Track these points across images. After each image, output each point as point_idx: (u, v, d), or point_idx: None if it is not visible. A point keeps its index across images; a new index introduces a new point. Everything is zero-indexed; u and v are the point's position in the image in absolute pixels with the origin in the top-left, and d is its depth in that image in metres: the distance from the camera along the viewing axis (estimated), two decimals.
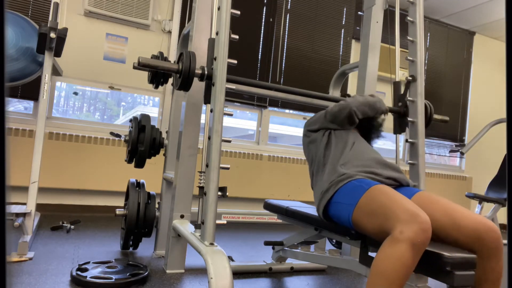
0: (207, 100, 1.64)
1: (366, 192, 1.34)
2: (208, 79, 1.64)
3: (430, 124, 2.32)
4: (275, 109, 4.22)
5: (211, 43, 1.65)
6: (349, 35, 4.53)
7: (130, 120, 2.29)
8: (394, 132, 2.30)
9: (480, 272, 1.22)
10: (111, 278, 1.71)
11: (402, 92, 2.28)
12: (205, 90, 1.66)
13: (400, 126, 2.28)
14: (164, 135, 2.36)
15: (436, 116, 2.36)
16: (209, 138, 1.57)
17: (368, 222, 1.30)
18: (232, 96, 3.78)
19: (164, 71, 1.75)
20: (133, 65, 2.35)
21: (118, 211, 2.24)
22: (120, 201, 3.33)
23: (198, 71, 1.63)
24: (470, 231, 1.23)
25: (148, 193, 2.31)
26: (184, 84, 1.65)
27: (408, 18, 2.31)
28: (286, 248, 2.13)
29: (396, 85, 2.30)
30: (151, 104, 3.95)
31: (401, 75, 2.33)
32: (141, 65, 1.58)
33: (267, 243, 2.14)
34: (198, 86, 2.02)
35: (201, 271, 2.06)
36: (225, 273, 1.30)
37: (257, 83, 1.98)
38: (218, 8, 1.64)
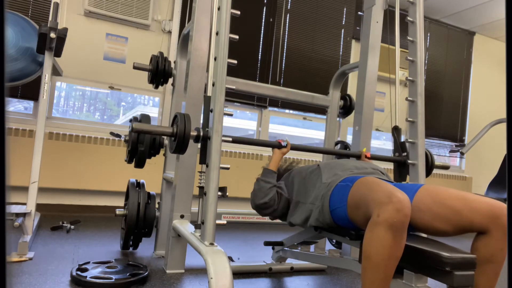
0: (202, 161, 1.58)
1: (351, 189, 1.39)
2: (203, 140, 1.58)
3: (431, 173, 2.25)
4: (275, 109, 4.22)
5: (207, 100, 1.60)
6: (349, 35, 4.53)
7: (130, 120, 2.29)
8: (394, 181, 2.23)
9: (488, 253, 1.24)
10: (111, 278, 1.71)
11: (402, 139, 2.20)
12: (201, 151, 1.59)
13: (400, 175, 2.18)
14: None
15: (437, 164, 2.32)
16: (209, 138, 1.57)
17: (358, 215, 1.34)
18: (232, 96, 3.78)
19: (159, 135, 1.70)
20: (133, 65, 2.36)
21: (118, 211, 2.24)
22: (120, 201, 3.33)
23: (194, 133, 1.57)
24: (486, 210, 1.24)
25: (148, 193, 2.31)
26: (179, 148, 1.58)
27: (408, 18, 2.31)
28: (286, 248, 2.13)
29: (397, 131, 2.20)
30: (151, 104, 3.95)
31: (401, 75, 2.32)
32: (134, 132, 1.53)
33: (267, 243, 2.14)
34: (198, 86, 2.02)
35: (201, 271, 2.06)
36: (225, 273, 1.30)
37: (253, 141, 1.96)
38: (218, 8, 1.64)
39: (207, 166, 1.55)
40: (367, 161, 2.06)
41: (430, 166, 2.24)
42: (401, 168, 2.18)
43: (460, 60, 5.37)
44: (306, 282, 2.09)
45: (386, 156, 2.24)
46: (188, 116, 1.58)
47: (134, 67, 2.36)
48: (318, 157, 4.17)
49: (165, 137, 2.35)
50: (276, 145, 1.84)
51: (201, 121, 1.64)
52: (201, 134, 1.57)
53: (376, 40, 2.48)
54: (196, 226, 1.65)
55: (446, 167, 2.44)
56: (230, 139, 1.66)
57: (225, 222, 1.92)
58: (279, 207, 1.75)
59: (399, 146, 2.18)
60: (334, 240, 2.79)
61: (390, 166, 2.45)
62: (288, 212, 1.76)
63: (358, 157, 2.13)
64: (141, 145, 2.19)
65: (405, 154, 2.15)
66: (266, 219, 2.57)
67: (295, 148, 1.93)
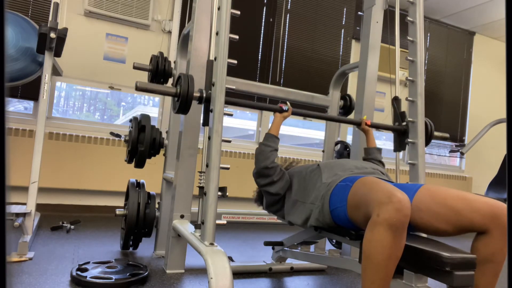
0: (205, 122, 1.60)
1: (351, 189, 1.39)
2: (206, 102, 1.60)
3: (430, 142, 2.29)
4: None
5: (210, 65, 1.61)
6: (349, 35, 4.53)
7: (130, 120, 2.29)
8: (395, 150, 2.25)
9: (488, 253, 1.24)
10: (111, 278, 1.71)
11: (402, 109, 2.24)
12: (204, 113, 1.62)
13: (400, 144, 2.22)
14: (164, 135, 2.36)
15: (436, 133, 2.35)
16: (209, 138, 1.57)
17: (358, 215, 1.34)
18: (232, 96, 3.77)
19: (162, 94, 1.73)
20: (133, 65, 2.36)
21: (118, 211, 2.24)
22: (120, 201, 3.33)
23: (197, 94, 1.60)
24: (486, 210, 1.24)
25: (148, 193, 2.31)
26: (183, 108, 1.61)
27: (408, 18, 2.31)
28: (286, 248, 2.13)
29: (397, 102, 2.24)
30: (151, 104, 3.95)
31: (401, 75, 2.32)
32: (138, 90, 1.55)
33: (267, 243, 2.14)
34: (197, 86, 2.02)
35: (201, 271, 2.06)
36: (225, 273, 1.30)
37: (254, 105, 1.96)
38: (218, 8, 1.64)
39: (207, 166, 1.55)
40: (367, 129, 2.11)
41: (429, 135, 2.27)
42: (401, 137, 2.22)
43: (460, 60, 5.37)
44: (306, 282, 2.09)
45: (386, 124, 2.29)
46: (192, 77, 1.60)
47: (134, 67, 2.36)
48: (318, 157, 4.17)
49: (165, 137, 2.35)
50: (277, 109, 1.84)
51: (201, 120, 1.64)
52: (204, 95, 1.58)
53: (376, 40, 2.48)
54: (196, 226, 1.65)
55: (445, 137, 2.46)
56: (230, 140, 1.66)
57: (225, 222, 1.92)
58: (278, 182, 1.72)
59: (399, 116, 2.23)
60: (334, 240, 2.79)
61: (390, 166, 2.45)
62: (285, 209, 1.75)
63: (358, 124, 2.16)
64: (141, 145, 2.19)
65: (404, 123, 2.20)
66: (266, 219, 2.58)
67: (296, 113, 1.92)
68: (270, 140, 1.75)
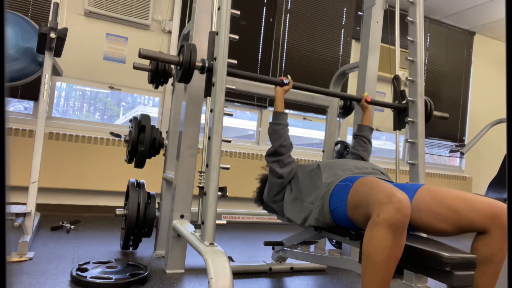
0: (207, 93, 1.64)
1: (351, 188, 1.40)
2: (208, 71, 1.63)
3: (430, 120, 2.33)
4: None
5: (212, 36, 1.64)
6: (349, 35, 4.53)
7: (130, 120, 2.29)
8: (394, 129, 2.30)
9: (488, 253, 1.24)
10: (111, 278, 1.71)
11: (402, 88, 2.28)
12: (206, 83, 1.65)
13: (400, 122, 2.27)
14: (164, 135, 2.36)
15: (436, 113, 2.37)
16: (209, 138, 1.57)
17: (358, 215, 1.34)
18: (232, 96, 3.78)
19: (165, 62, 1.77)
20: (133, 65, 2.36)
21: (118, 211, 2.24)
22: (120, 201, 3.33)
23: (199, 64, 1.63)
24: (486, 210, 1.25)
25: (148, 193, 2.31)
26: (185, 76, 1.65)
27: (408, 18, 2.31)
28: (286, 248, 2.13)
29: (397, 80, 2.29)
30: (151, 104, 3.95)
31: (401, 75, 2.33)
32: (142, 57, 1.58)
33: (267, 243, 2.14)
34: (198, 86, 2.02)
35: (201, 271, 2.06)
36: (225, 273, 1.30)
37: (255, 77, 1.96)
38: (218, 8, 1.64)
39: (207, 166, 1.55)
40: (366, 105, 2.14)
41: (428, 113, 2.31)
42: (401, 115, 2.26)
43: (460, 60, 5.37)
44: (306, 282, 2.09)
45: (386, 102, 2.33)
46: (194, 46, 1.62)
47: (134, 67, 2.36)
48: (318, 157, 4.17)
49: (164, 137, 2.35)
50: (278, 82, 1.85)
51: (202, 121, 1.65)
52: (206, 65, 1.60)
53: (376, 40, 2.48)
54: (196, 226, 1.65)
55: (444, 117, 2.47)
56: (230, 140, 1.66)
57: (225, 222, 1.92)
58: (286, 165, 1.76)
59: (399, 94, 2.27)
60: (334, 240, 2.79)
61: (390, 166, 2.45)
62: (284, 204, 1.75)
63: (358, 100, 2.19)
64: (141, 145, 2.20)
65: (404, 101, 2.23)
66: (266, 219, 2.58)
67: (297, 87, 1.93)
68: (279, 118, 1.78)
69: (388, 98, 4.59)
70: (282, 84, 1.84)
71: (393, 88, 2.30)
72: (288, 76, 1.88)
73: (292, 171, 1.78)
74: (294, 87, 1.90)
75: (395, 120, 2.30)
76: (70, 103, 3.64)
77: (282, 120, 1.77)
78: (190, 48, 1.62)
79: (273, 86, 1.91)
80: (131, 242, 2.26)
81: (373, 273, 1.17)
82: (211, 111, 1.58)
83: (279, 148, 1.74)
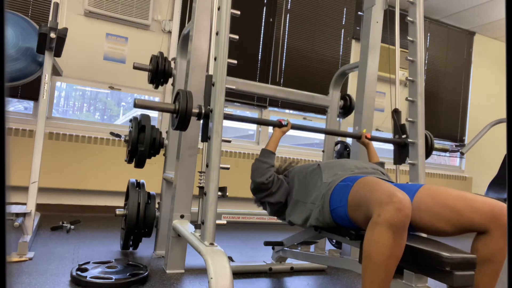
0: (204, 138, 1.59)
1: (352, 188, 1.39)
2: (205, 118, 1.59)
3: (430, 155, 2.28)
4: (275, 109, 4.22)
5: (208, 80, 1.60)
6: (349, 35, 4.53)
7: (130, 120, 2.29)
8: (394, 163, 2.24)
9: (488, 253, 1.24)
10: (111, 278, 1.71)
11: (402, 122, 2.23)
12: (203, 128, 1.60)
13: (400, 156, 2.21)
14: (164, 135, 2.36)
15: (437, 146, 2.35)
16: (209, 138, 1.57)
17: (358, 215, 1.34)
18: (232, 96, 3.78)
19: (161, 111, 1.72)
20: (133, 65, 2.36)
21: (118, 211, 2.24)
22: (120, 201, 3.33)
23: (195, 111, 1.58)
24: (486, 210, 1.25)
25: (148, 193, 2.31)
26: (181, 124, 1.59)
27: (408, 18, 2.31)
28: (286, 248, 2.13)
29: (397, 114, 2.23)
30: None
31: (401, 75, 2.32)
32: (137, 107, 1.54)
33: (267, 243, 2.14)
34: (197, 86, 2.02)
35: (201, 271, 2.06)
36: (225, 273, 1.30)
37: (254, 120, 1.95)
38: (218, 8, 1.64)
39: (207, 166, 1.55)
40: (368, 142, 2.09)
41: (429, 148, 2.27)
42: (401, 150, 2.21)
43: (460, 60, 5.37)
44: (306, 282, 2.09)
45: (386, 137, 2.27)
46: (190, 93, 1.59)
47: (134, 67, 2.36)
48: (318, 157, 4.17)
49: (164, 137, 2.35)
50: (277, 124, 1.84)
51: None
52: (203, 111, 1.58)
53: (376, 40, 2.48)
54: (196, 226, 1.65)
55: (445, 150, 2.46)
56: (230, 140, 1.66)
57: (225, 222, 1.92)
58: (277, 192, 1.73)
59: (399, 128, 2.21)
60: (334, 240, 2.79)
61: (390, 166, 2.45)
62: (286, 211, 1.75)
63: (358, 137, 2.14)
64: (141, 145, 2.19)
65: (404, 136, 2.19)
66: (266, 219, 2.58)
67: (296, 127, 1.93)
68: (266, 156, 1.74)
69: (388, 98, 4.59)
70: (280, 126, 1.83)
71: (393, 122, 2.23)
72: (287, 118, 1.88)
73: (285, 189, 1.75)
74: (293, 128, 1.89)
75: (395, 155, 2.23)
76: (70, 103, 3.64)
77: (268, 159, 1.73)
78: (186, 96, 1.57)
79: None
80: (131, 242, 2.26)
81: (374, 273, 1.17)
82: (211, 111, 1.58)
83: (261, 185, 1.71)
